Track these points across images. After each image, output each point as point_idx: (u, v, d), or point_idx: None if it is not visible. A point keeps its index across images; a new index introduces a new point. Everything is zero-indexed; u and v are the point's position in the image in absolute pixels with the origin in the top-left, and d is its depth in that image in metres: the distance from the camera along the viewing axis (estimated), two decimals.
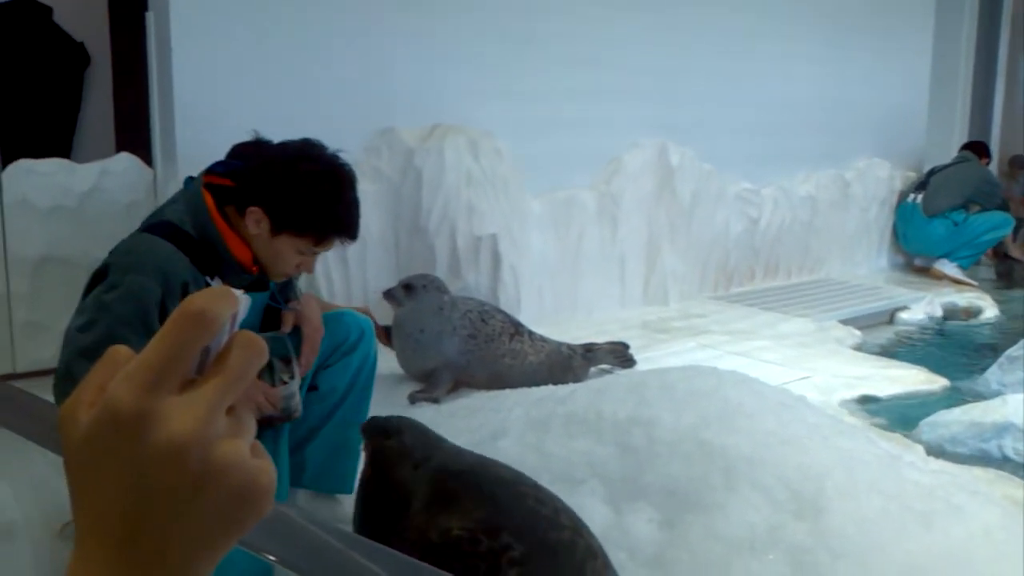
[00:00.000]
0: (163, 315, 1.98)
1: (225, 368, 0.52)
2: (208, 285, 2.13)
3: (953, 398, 4.24)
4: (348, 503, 2.61)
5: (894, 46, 7.50)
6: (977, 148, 7.78)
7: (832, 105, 6.95)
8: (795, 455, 2.59)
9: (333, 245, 2.32)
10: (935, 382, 4.46)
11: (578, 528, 2.00)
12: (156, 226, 2.18)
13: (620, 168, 5.49)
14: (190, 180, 2.30)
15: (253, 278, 2.28)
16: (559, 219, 5.20)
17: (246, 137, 2.76)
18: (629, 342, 4.48)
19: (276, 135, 2.63)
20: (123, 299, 2.02)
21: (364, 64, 4.47)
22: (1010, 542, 2.44)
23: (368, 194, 4.60)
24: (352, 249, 4.58)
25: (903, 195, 7.59)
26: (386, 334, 3.83)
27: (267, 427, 2.30)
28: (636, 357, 4.36)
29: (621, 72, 5.42)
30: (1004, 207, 7.45)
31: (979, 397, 4.16)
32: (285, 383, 2.29)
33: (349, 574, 0.96)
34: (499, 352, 3.94)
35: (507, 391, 3.74)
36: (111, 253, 2.17)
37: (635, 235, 5.63)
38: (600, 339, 4.48)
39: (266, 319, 2.43)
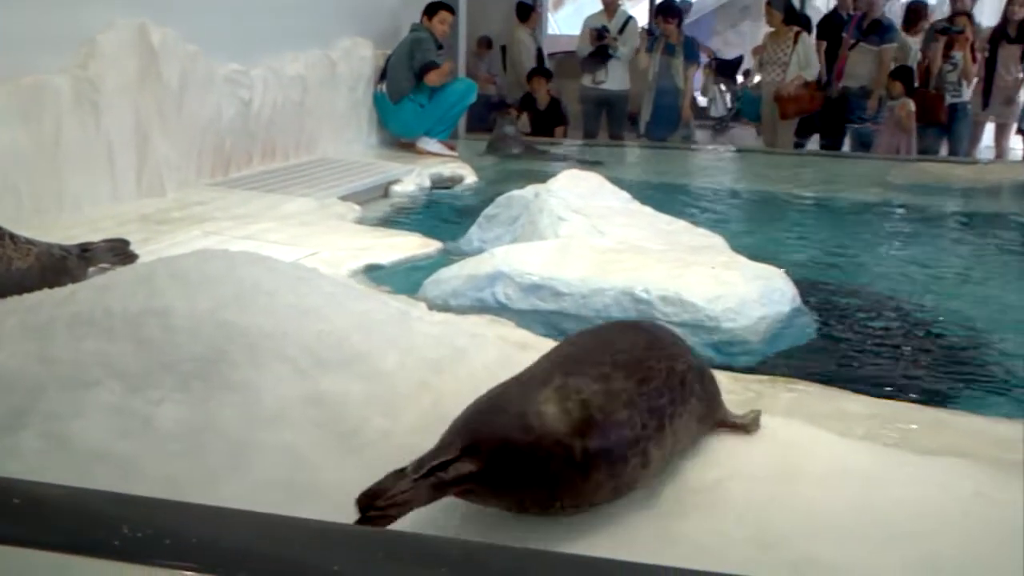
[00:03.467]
0: None
1: None
2: None
3: (445, 258, 4.64)
4: None
5: None
6: (425, 10, 7.88)
7: None
8: (315, 323, 2.67)
9: None
10: (430, 245, 4.84)
11: None
12: None
13: (96, 50, 5.04)
14: None
15: None
16: (29, 109, 4.66)
17: None
18: (129, 237, 4.25)
19: None
20: None
21: None
22: (505, 374, 2.77)
23: None
24: None
25: (376, 84, 7.87)
26: None
27: None
28: (139, 251, 4.15)
29: None
30: (427, 65, 7.62)
31: (464, 254, 4.61)
32: None
33: None
34: None
35: None
36: None
37: (121, 123, 5.25)
38: (95, 237, 4.18)
39: None
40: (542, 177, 5.27)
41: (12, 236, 3.67)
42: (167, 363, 2.57)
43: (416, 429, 2.30)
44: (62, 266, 3.76)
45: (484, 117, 9.54)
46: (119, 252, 4.08)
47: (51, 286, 3.51)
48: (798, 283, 4.04)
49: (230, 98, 6.12)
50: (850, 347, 3.70)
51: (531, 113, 9.87)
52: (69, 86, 4.90)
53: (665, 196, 6.36)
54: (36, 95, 4.69)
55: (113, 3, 5.15)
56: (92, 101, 5.03)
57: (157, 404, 2.47)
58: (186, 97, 5.64)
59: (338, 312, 2.79)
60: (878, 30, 9.32)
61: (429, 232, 5.09)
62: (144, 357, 2.62)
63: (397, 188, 6.53)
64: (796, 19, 9.37)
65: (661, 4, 9.96)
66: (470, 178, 7.04)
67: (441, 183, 6.91)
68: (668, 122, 9.53)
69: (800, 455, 2.28)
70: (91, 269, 3.94)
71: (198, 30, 5.66)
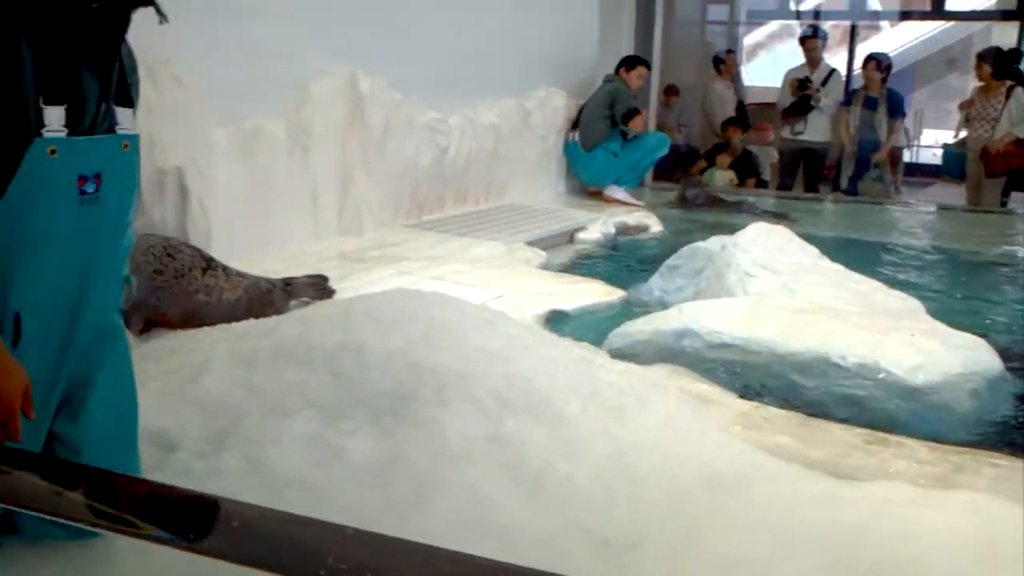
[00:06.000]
0: None
1: None
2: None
3: (627, 307, 4.62)
4: None
5: None
6: (624, 63, 7.99)
7: (512, 36, 7.18)
8: (501, 366, 2.73)
9: None
10: (613, 294, 4.83)
11: None
12: None
13: (309, 97, 5.37)
14: None
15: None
16: (247, 150, 5.01)
17: None
18: (327, 273, 4.47)
19: None
20: None
21: None
22: (687, 426, 2.74)
23: None
24: None
25: (568, 133, 7.99)
26: None
27: None
28: (336, 287, 4.35)
29: None
30: (632, 112, 7.70)
31: (644, 304, 4.58)
32: None
33: None
34: (192, 288, 3.77)
35: (206, 328, 3.60)
36: None
37: (327, 165, 5.55)
38: (297, 272, 4.42)
39: None
40: (728, 229, 5.18)
41: (225, 268, 3.94)
42: (360, 397, 2.68)
43: (598, 476, 2.31)
44: (267, 299, 4.01)
45: (671, 166, 9.53)
46: (319, 287, 4.30)
47: (257, 317, 3.76)
48: (1003, 353, 3.78)
49: (428, 144, 6.37)
50: None
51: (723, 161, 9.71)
52: (283, 130, 5.24)
53: (858, 253, 6.11)
54: (254, 137, 5.04)
55: (327, 53, 5.48)
56: (302, 144, 5.35)
57: (349, 436, 2.58)
58: (388, 142, 5.92)
59: (523, 356, 2.85)
60: None
61: (612, 280, 5.09)
62: (339, 390, 2.74)
63: (582, 235, 6.59)
64: (1009, 72, 8.87)
65: (870, 54, 9.66)
66: (655, 227, 7.01)
67: (626, 232, 6.92)
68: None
69: (1003, 534, 2.13)
70: (292, 302, 4.17)
71: (402, 79, 5.93)
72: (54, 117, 1.77)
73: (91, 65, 1.85)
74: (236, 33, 4.82)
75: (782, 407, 3.18)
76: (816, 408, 3.35)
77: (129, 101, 1.98)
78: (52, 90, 1.77)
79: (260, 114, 5.10)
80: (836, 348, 3.47)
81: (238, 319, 3.72)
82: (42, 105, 1.76)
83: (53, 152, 1.77)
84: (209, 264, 3.89)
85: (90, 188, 1.85)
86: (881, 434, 2.91)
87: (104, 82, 1.88)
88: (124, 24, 1.91)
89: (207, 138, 4.69)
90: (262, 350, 3.10)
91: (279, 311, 3.98)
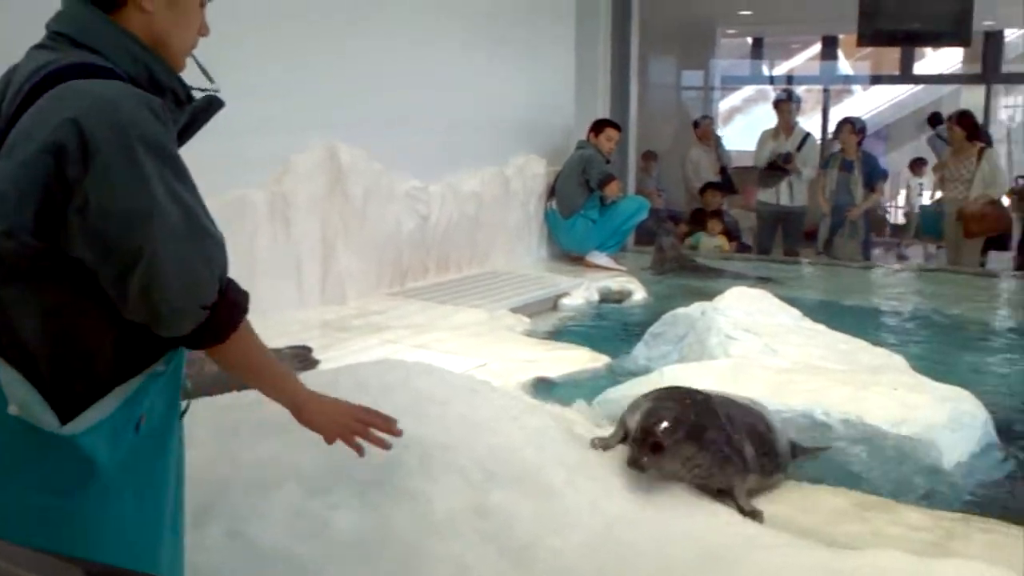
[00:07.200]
0: None
1: None
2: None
3: (612, 375, 4.60)
4: None
5: (542, 51, 8.02)
6: (593, 127, 8.00)
7: (491, 105, 7.27)
8: (487, 437, 2.71)
9: None
10: (598, 360, 4.82)
11: None
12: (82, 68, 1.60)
13: (290, 168, 5.41)
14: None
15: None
16: (230, 219, 4.97)
17: None
18: (311, 342, 4.45)
19: None
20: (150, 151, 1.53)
21: None
22: (676, 497, 2.71)
23: None
24: None
25: (546, 202, 8.04)
26: None
27: None
28: (320, 356, 4.33)
29: (289, 71, 5.33)
30: (606, 178, 7.71)
31: (629, 371, 4.56)
32: None
33: None
34: None
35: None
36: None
37: (309, 235, 5.57)
38: (280, 342, 4.39)
39: None
40: (711, 293, 5.20)
41: None
42: (345, 469, 2.64)
43: (588, 550, 2.28)
44: None
45: (652, 232, 9.59)
46: (302, 358, 4.27)
47: (240, 389, 3.70)
48: (990, 412, 3.79)
49: (409, 212, 6.40)
50: None
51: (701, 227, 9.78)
52: (265, 200, 5.26)
53: (839, 315, 6.14)
54: (238, 208, 5.05)
55: (310, 127, 5.52)
56: (284, 214, 5.37)
57: (334, 509, 2.54)
58: (369, 211, 5.94)
59: (509, 426, 2.82)
60: None
61: (597, 346, 5.08)
62: (323, 463, 2.70)
63: (566, 301, 6.59)
64: (979, 135, 9.04)
65: (845, 117, 9.82)
66: (639, 293, 7.00)
67: (609, 297, 6.91)
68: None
69: None
70: None
71: (383, 149, 5.98)
72: None
73: None
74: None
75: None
76: (802, 468, 3.34)
77: None
78: None
79: (243, 184, 5.12)
80: (819, 404, 3.48)
81: (221, 392, 3.66)
82: None
83: None
84: None
85: None
86: (873, 498, 2.90)
87: None
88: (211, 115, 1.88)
89: None
90: (246, 423, 3.06)
91: None
